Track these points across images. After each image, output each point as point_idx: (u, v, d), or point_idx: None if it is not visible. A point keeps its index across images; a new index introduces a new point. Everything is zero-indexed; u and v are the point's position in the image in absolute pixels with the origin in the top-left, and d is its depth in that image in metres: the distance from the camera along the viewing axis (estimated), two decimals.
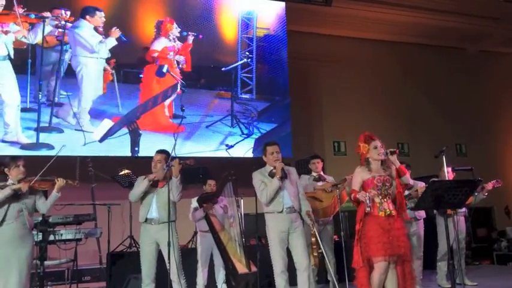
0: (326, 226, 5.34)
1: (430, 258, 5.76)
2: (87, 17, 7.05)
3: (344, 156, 9.41)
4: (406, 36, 10.16)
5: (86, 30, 7.04)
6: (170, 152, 4.44)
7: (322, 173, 5.56)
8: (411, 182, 4.07)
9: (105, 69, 7.16)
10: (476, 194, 5.29)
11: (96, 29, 7.08)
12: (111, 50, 7.15)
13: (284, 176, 4.10)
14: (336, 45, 9.62)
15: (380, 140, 3.88)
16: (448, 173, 5.31)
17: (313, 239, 4.14)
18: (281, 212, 4.05)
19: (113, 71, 7.19)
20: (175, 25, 7.61)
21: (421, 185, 5.32)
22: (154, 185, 4.34)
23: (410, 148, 10.09)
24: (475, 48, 10.94)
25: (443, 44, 10.63)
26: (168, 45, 7.57)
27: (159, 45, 7.53)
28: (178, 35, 7.63)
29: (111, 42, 7.12)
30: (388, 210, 3.70)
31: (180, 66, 7.62)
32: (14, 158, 4.03)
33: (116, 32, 7.11)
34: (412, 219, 5.26)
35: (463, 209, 5.63)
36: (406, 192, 4.70)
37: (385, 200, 3.73)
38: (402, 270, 3.67)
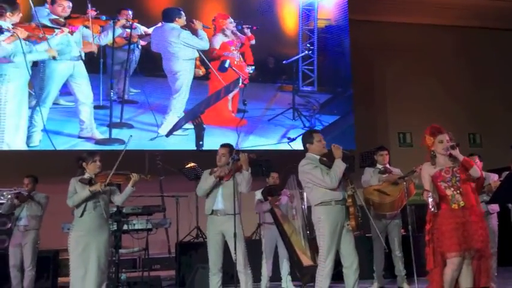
0: (393, 220, 5.22)
1: (505, 254, 5.46)
2: (177, 19, 7.34)
3: (410, 148, 9.11)
4: (477, 21, 9.60)
5: (182, 31, 7.34)
6: (234, 145, 4.52)
7: (388, 165, 5.42)
8: (480, 173, 3.77)
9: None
10: None
11: (185, 27, 7.37)
12: None
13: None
14: (400, 33, 9.30)
15: (449, 133, 3.68)
16: None
17: (349, 200, 3.81)
18: (340, 201, 3.82)
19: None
20: (229, 20, 7.71)
21: (494, 178, 5.05)
22: (220, 178, 4.44)
23: (482, 139, 9.55)
24: None
25: None
26: (226, 40, 7.68)
27: (217, 42, 7.68)
28: (234, 29, 7.72)
29: (204, 34, 7.41)
30: (462, 201, 3.51)
31: (236, 62, 7.71)
32: (92, 154, 4.25)
33: (199, 24, 7.38)
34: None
35: None
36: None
37: (458, 191, 3.55)
38: (478, 265, 3.46)
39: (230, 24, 7.72)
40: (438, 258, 3.50)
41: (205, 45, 7.46)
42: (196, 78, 7.49)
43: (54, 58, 6.75)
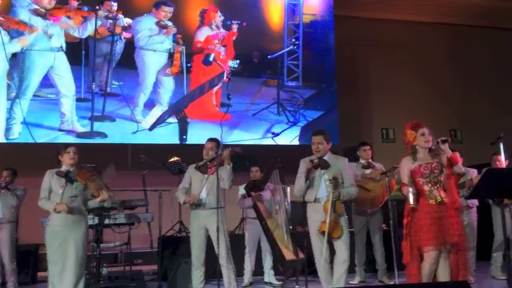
0: (374, 215, 5.28)
1: (484, 248, 5.55)
2: (153, 9, 7.26)
3: (393, 144, 9.18)
4: (461, 18, 9.68)
5: (148, 23, 7.26)
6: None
7: (371, 160, 5.47)
8: (463, 170, 3.90)
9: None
10: None
11: (157, 23, 7.27)
12: None
13: (324, 168, 4.04)
14: (385, 29, 9.35)
15: (428, 127, 3.75)
16: (500, 161, 5.10)
17: (325, 204, 3.94)
18: (315, 202, 4.02)
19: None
20: (218, 13, 7.65)
21: (473, 174, 5.13)
22: (203, 172, 4.42)
23: (463, 135, 9.70)
24: None
25: (502, 26, 10.05)
26: (211, 34, 7.62)
27: (202, 35, 7.61)
28: (221, 23, 7.66)
29: (160, 39, 7.31)
30: (439, 197, 3.58)
31: (221, 56, 7.65)
32: (65, 145, 4.19)
33: (171, 30, 7.30)
34: (465, 207, 5.07)
35: None
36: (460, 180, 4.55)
37: (435, 187, 3.62)
38: (456, 259, 3.55)
39: (219, 18, 7.66)
40: (415, 251, 3.59)
41: (141, 43, 7.24)
42: (180, 72, 7.40)
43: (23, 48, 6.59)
